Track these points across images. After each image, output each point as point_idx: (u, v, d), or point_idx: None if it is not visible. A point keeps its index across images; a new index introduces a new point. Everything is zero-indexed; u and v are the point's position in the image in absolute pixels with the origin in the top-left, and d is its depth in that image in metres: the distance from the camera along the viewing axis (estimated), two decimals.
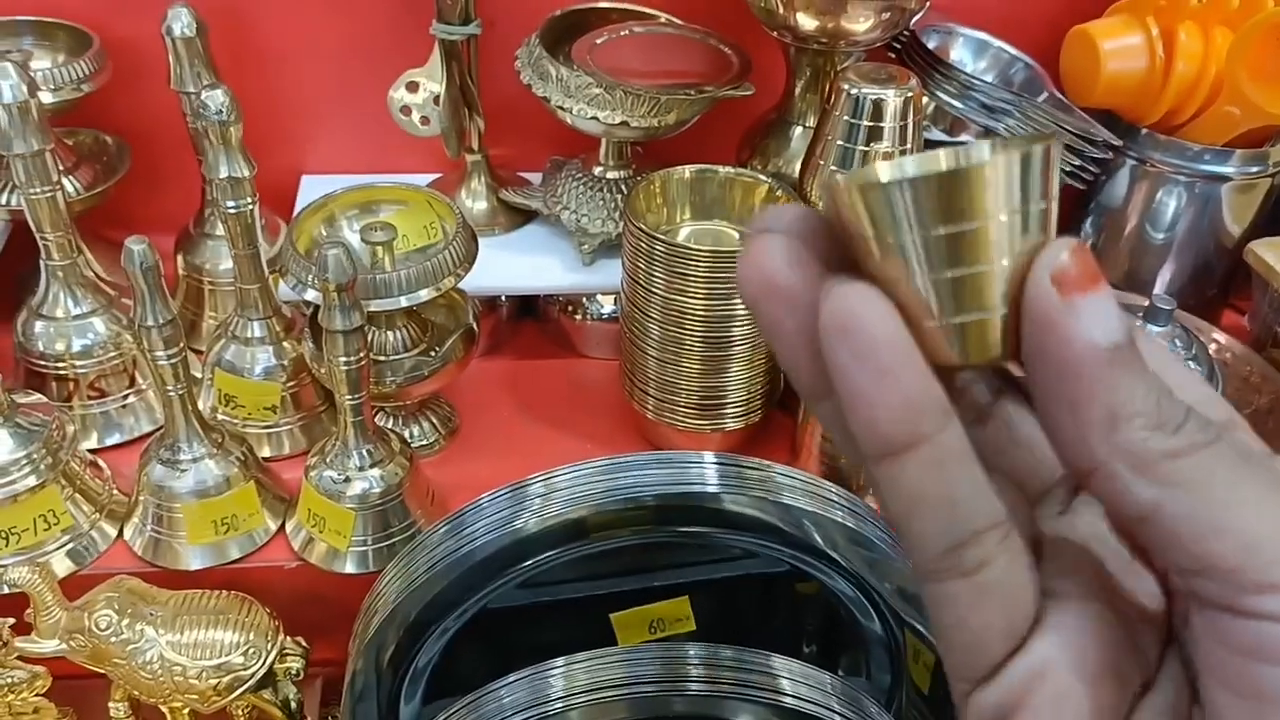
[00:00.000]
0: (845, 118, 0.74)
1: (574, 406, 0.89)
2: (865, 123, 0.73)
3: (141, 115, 0.91)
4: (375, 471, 0.72)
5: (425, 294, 0.73)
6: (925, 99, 0.83)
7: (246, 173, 0.73)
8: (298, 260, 0.73)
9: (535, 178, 0.99)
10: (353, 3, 0.91)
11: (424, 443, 0.84)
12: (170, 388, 0.70)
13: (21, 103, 0.70)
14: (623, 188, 0.89)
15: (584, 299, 0.94)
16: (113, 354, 0.81)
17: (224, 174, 0.73)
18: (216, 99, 0.70)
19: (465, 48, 0.86)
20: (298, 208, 0.93)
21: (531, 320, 0.98)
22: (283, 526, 0.76)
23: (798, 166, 0.87)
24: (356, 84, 0.95)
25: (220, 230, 0.88)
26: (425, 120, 0.90)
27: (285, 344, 0.81)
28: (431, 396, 0.83)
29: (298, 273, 0.73)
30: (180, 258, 0.90)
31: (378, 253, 0.75)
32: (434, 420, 0.85)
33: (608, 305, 0.94)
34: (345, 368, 0.68)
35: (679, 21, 0.88)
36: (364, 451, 0.72)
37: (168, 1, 0.81)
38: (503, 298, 0.94)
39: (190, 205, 0.92)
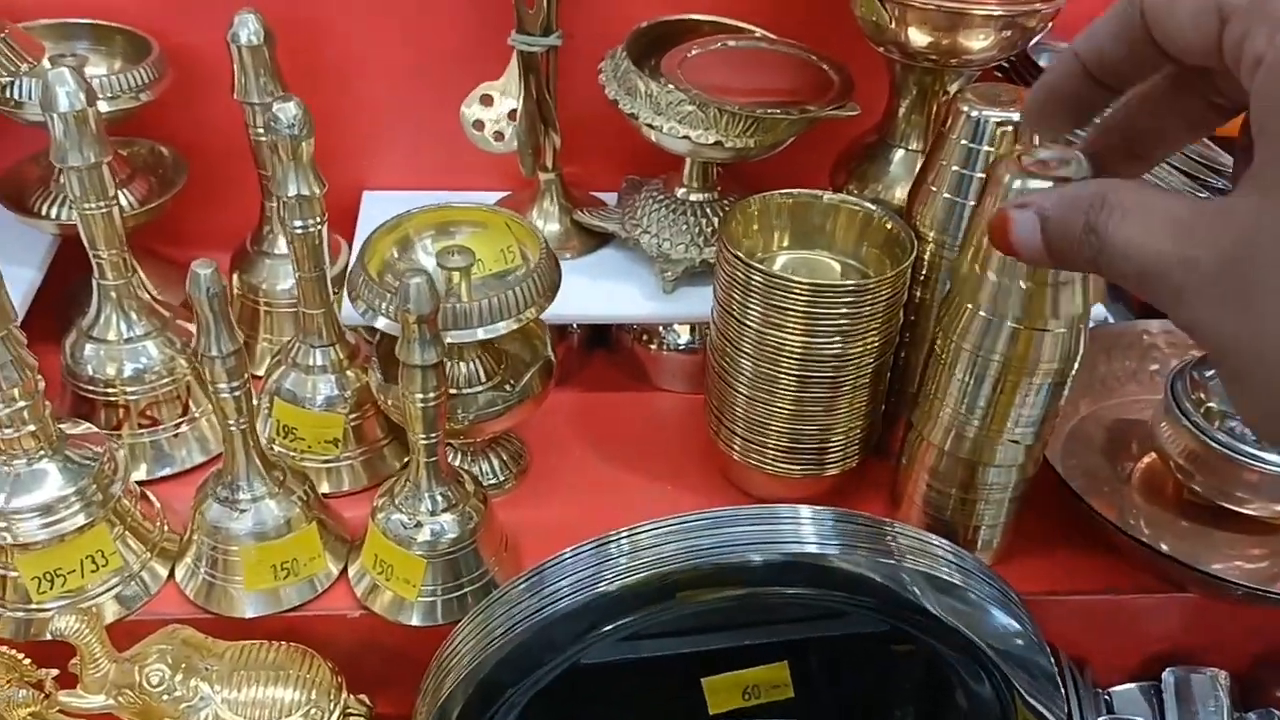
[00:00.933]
0: (963, 141, 0.68)
1: (651, 444, 0.84)
2: (985, 147, 0.67)
3: (199, 126, 0.86)
4: (448, 516, 0.67)
5: (504, 326, 0.68)
6: None
7: (316, 191, 0.68)
8: (369, 284, 0.68)
9: (608, 198, 0.93)
10: (425, 13, 0.86)
11: (493, 481, 0.78)
12: (232, 422, 0.64)
13: (79, 112, 0.65)
14: (707, 211, 0.84)
15: (660, 328, 0.88)
16: (165, 380, 0.75)
17: (293, 192, 0.67)
18: (289, 112, 0.65)
19: (544, 60, 0.80)
20: (360, 225, 0.89)
21: (603, 349, 0.92)
22: (345, 571, 0.71)
23: (898, 192, 0.81)
24: (424, 97, 0.90)
25: (280, 249, 0.84)
26: (499, 136, 0.84)
27: (349, 373, 0.75)
28: (502, 432, 0.78)
29: (368, 298, 0.68)
30: (236, 276, 0.85)
31: (454, 279, 0.70)
32: (504, 457, 0.79)
33: (684, 335, 0.89)
34: (422, 405, 0.63)
35: (773, 36, 0.83)
36: (437, 495, 0.67)
37: (232, 7, 0.76)
38: (574, 325, 0.88)
39: (247, 221, 0.87)
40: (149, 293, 0.75)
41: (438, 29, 0.87)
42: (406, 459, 0.79)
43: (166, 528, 0.71)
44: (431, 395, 0.62)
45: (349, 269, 0.70)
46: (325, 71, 0.86)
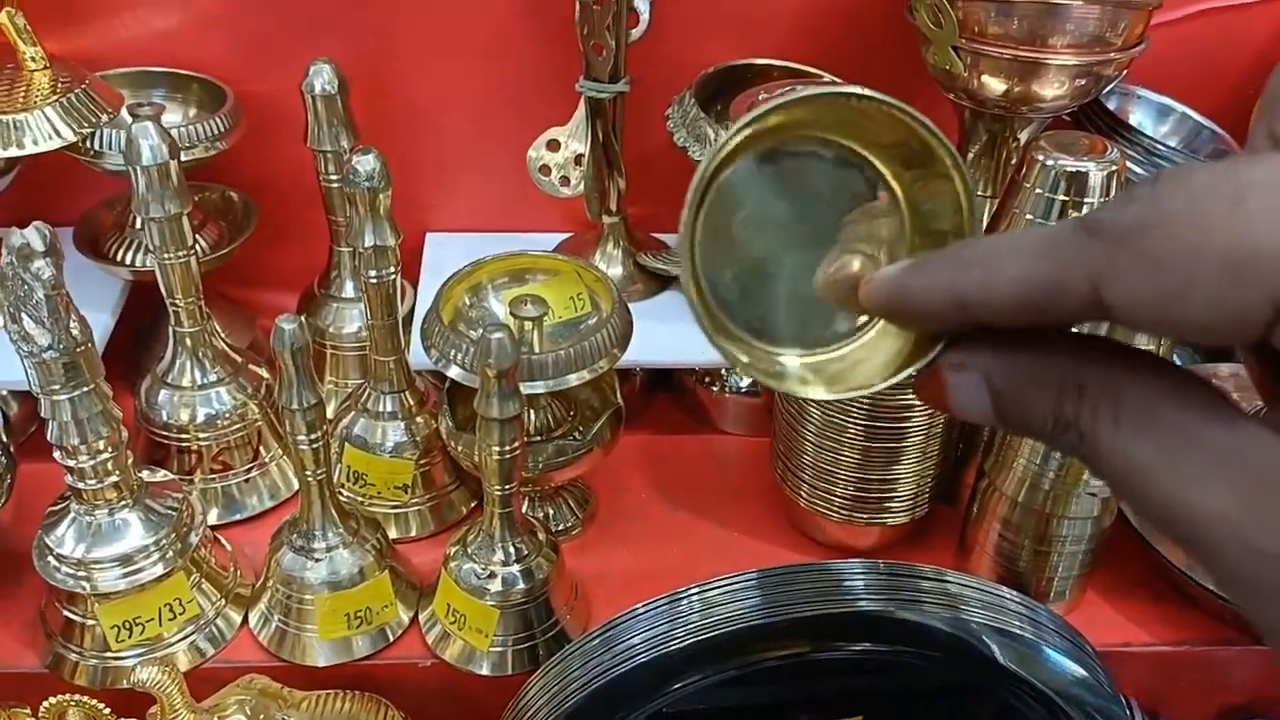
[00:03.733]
0: (1038, 190, 0.67)
1: (716, 488, 0.83)
2: (1061, 197, 0.67)
3: (268, 171, 0.87)
4: (521, 566, 0.67)
5: (576, 378, 0.68)
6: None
7: (392, 241, 0.69)
8: (443, 333, 0.68)
9: (670, 238, 0.93)
10: (492, 59, 0.87)
11: (560, 527, 0.78)
12: (309, 472, 0.65)
13: (161, 164, 0.66)
14: None
15: (723, 371, 0.88)
16: (238, 426, 0.76)
17: (369, 242, 0.68)
18: (367, 164, 0.66)
19: (611, 106, 0.81)
20: (425, 267, 0.89)
21: (665, 391, 0.92)
22: (415, 619, 0.71)
23: None
24: (489, 140, 0.90)
25: (347, 292, 0.85)
26: (565, 180, 0.85)
27: (418, 419, 0.76)
28: (570, 479, 0.78)
29: (442, 347, 0.68)
30: (304, 319, 0.85)
31: (526, 328, 0.70)
32: (571, 502, 0.79)
33: (747, 378, 0.88)
34: (499, 457, 0.63)
35: (839, 81, 0.83)
36: (510, 545, 0.67)
37: (303, 55, 0.77)
38: (637, 368, 0.88)
39: (312, 264, 0.88)
40: (222, 339, 0.76)
41: (505, 74, 0.87)
42: (473, 504, 0.80)
43: (240, 574, 0.72)
44: (508, 448, 0.62)
45: (423, 317, 0.71)
46: (392, 115, 0.87)
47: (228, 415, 0.76)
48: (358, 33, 0.84)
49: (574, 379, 0.68)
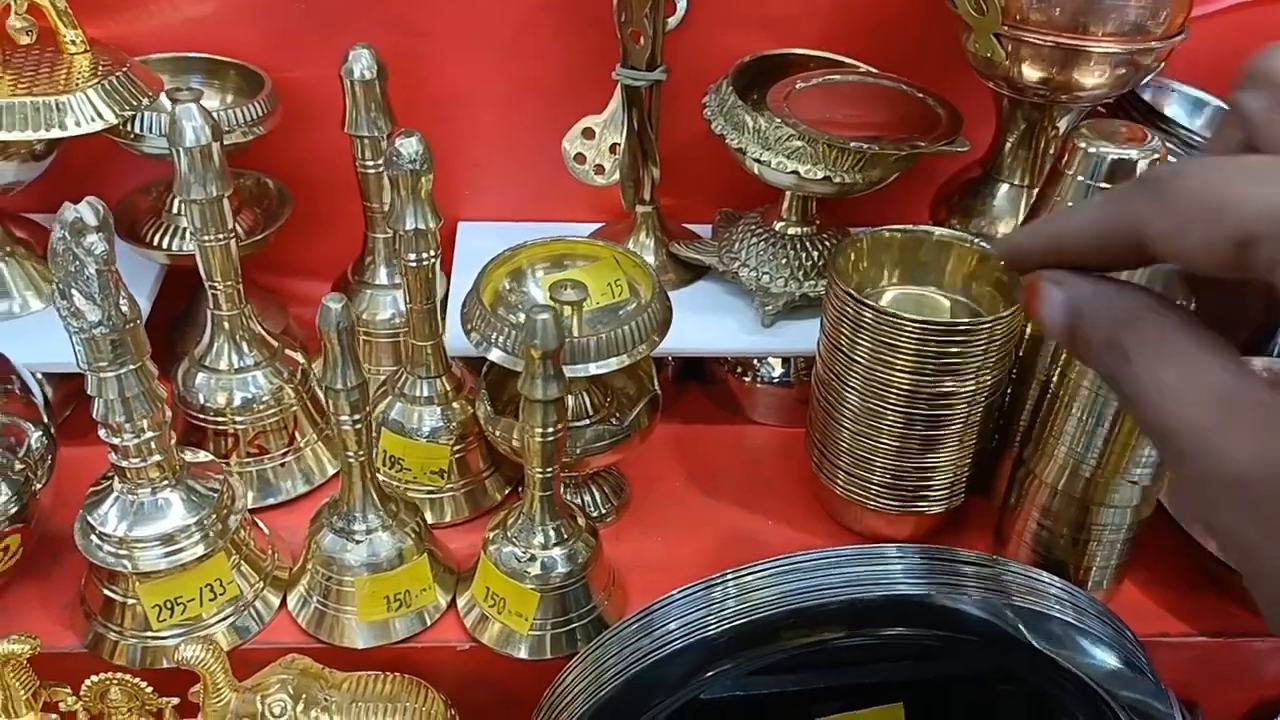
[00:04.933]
0: (1080, 178, 0.67)
1: (748, 477, 0.83)
2: (1103, 184, 0.67)
3: (302, 158, 0.87)
4: (560, 550, 0.67)
5: (617, 362, 0.68)
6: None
7: (432, 225, 0.69)
8: (484, 316, 0.68)
9: (700, 229, 0.93)
10: (524, 49, 0.87)
11: (595, 514, 0.78)
12: (351, 454, 0.65)
13: (204, 146, 0.66)
14: (806, 245, 0.83)
15: (755, 361, 0.88)
16: (273, 410, 0.76)
17: (410, 226, 0.68)
18: (410, 147, 0.66)
19: (647, 95, 0.81)
20: (457, 256, 0.89)
21: (696, 381, 0.92)
22: (453, 603, 0.71)
23: (1001, 227, 0.81)
24: (522, 130, 0.91)
25: (380, 279, 0.85)
26: (600, 169, 0.85)
27: (455, 405, 0.76)
28: (606, 465, 0.78)
29: (483, 330, 0.68)
30: (347, 300, 0.85)
31: (566, 312, 0.70)
32: (605, 489, 0.79)
33: (778, 368, 0.88)
34: (541, 439, 0.63)
35: (875, 70, 0.83)
36: (550, 529, 0.67)
37: (338, 43, 0.78)
38: (669, 357, 0.88)
39: (345, 251, 0.88)
40: (259, 324, 0.76)
41: (536, 63, 0.88)
42: (507, 491, 0.80)
43: (277, 557, 0.72)
44: (551, 430, 0.62)
45: (463, 300, 0.71)
46: (426, 104, 0.87)
47: (264, 399, 0.76)
48: (391, 21, 0.84)
49: (615, 363, 0.68)
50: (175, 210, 0.82)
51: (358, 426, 0.64)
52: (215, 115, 0.74)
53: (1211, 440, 0.31)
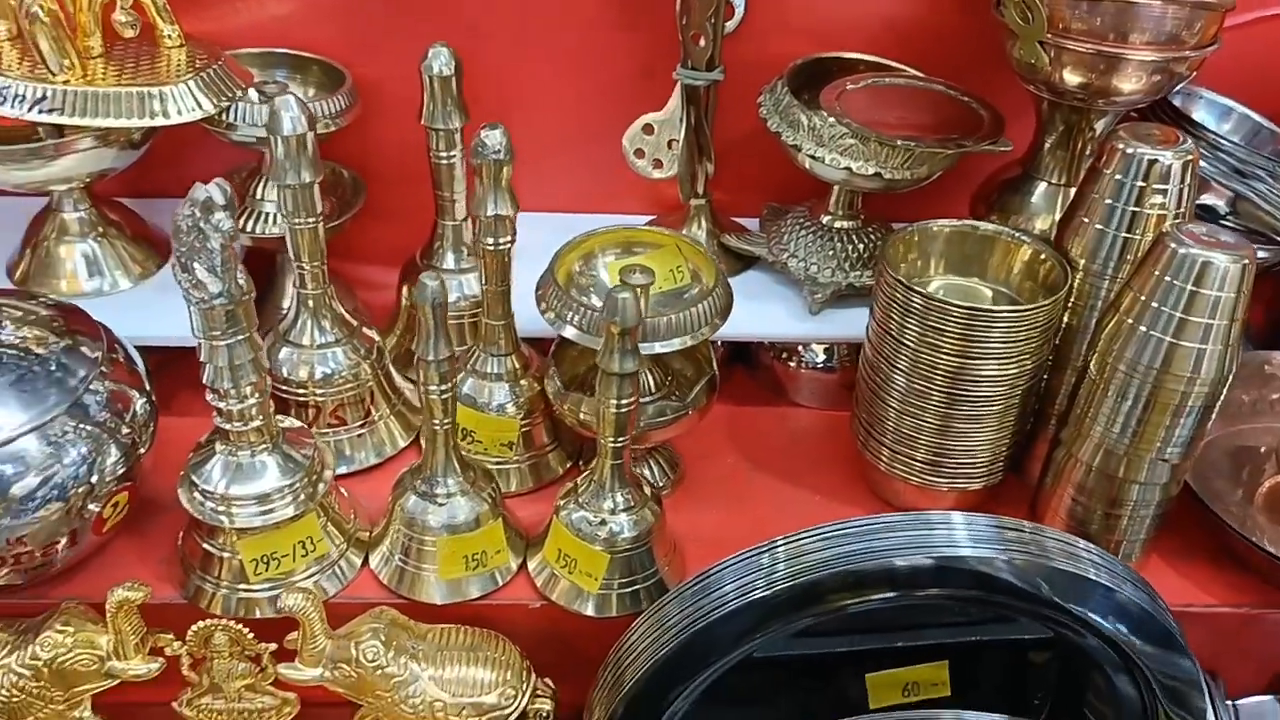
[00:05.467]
0: (1118, 177, 0.72)
1: (795, 456, 0.88)
2: (1138, 183, 0.71)
3: (374, 148, 0.92)
4: (628, 516, 0.72)
5: (679, 342, 0.72)
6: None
7: (511, 212, 0.74)
8: (559, 294, 0.73)
9: (746, 222, 0.98)
10: (588, 50, 0.92)
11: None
12: (437, 421, 0.70)
13: (300, 135, 0.71)
14: (852, 237, 0.88)
15: (799, 347, 0.93)
16: (351, 385, 0.81)
17: (491, 212, 0.73)
18: (495, 138, 0.71)
19: (705, 93, 0.86)
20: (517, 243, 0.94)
21: (743, 365, 0.97)
22: (523, 565, 0.76)
23: (1038, 223, 0.86)
24: (578, 126, 0.95)
25: (448, 264, 0.89)
26: (658, 164, 0.90)
27: (523, 382, 0.81)
28: (665, 440, 0.82)
29: (558, 308, 0.73)
30: (405, 289, 0.91)
31: (634, 295, 0.75)
32: (662, 464, 0.84)
33: (821, 354, 0.93)
34: (616, 410, 0.67)
35: (920, 74, 0.88)
36: (619, 496, 0.72)
37: (410, 41, 0.83)
38: (719, 342, 0.93)
39: (414, 237, 0.93)
40: (340, 303, 0.81)
41: (594, 63, 0.93)
42: (568, 465, 0.84)
43: (357, 519, 0.77)
44: (625, 402, 0.67)
45: (538, 281, 0.75)
46: (490, 100, 0.91)
47: (343, 374, 0.80)
48: (462, 22, 0.89)
49: (677, 343, 0.72)
50: (258, 195, 0.86)
51: (444, 396, 0.68)
52: None
53: None
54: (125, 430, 0.71)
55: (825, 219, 0.89)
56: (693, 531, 0.80)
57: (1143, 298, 0.68)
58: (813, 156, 0.81)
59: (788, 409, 0.94)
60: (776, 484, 0.85)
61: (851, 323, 0.88)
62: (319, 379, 0.80)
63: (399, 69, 0.86)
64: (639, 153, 0.90)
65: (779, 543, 0.67)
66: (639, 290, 0.74)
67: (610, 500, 0.72)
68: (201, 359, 0.65)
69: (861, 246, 0.88)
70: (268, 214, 0.87)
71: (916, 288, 0.73)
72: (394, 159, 0.92)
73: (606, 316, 0.64)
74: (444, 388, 0.68)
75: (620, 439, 0.69)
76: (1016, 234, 0.77)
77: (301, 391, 0.80)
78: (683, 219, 0.94)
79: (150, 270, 0.87)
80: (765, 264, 0.92)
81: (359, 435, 0.83)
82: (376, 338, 0.84)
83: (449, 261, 0.89)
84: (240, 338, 0.64)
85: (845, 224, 0.89)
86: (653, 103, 0.91)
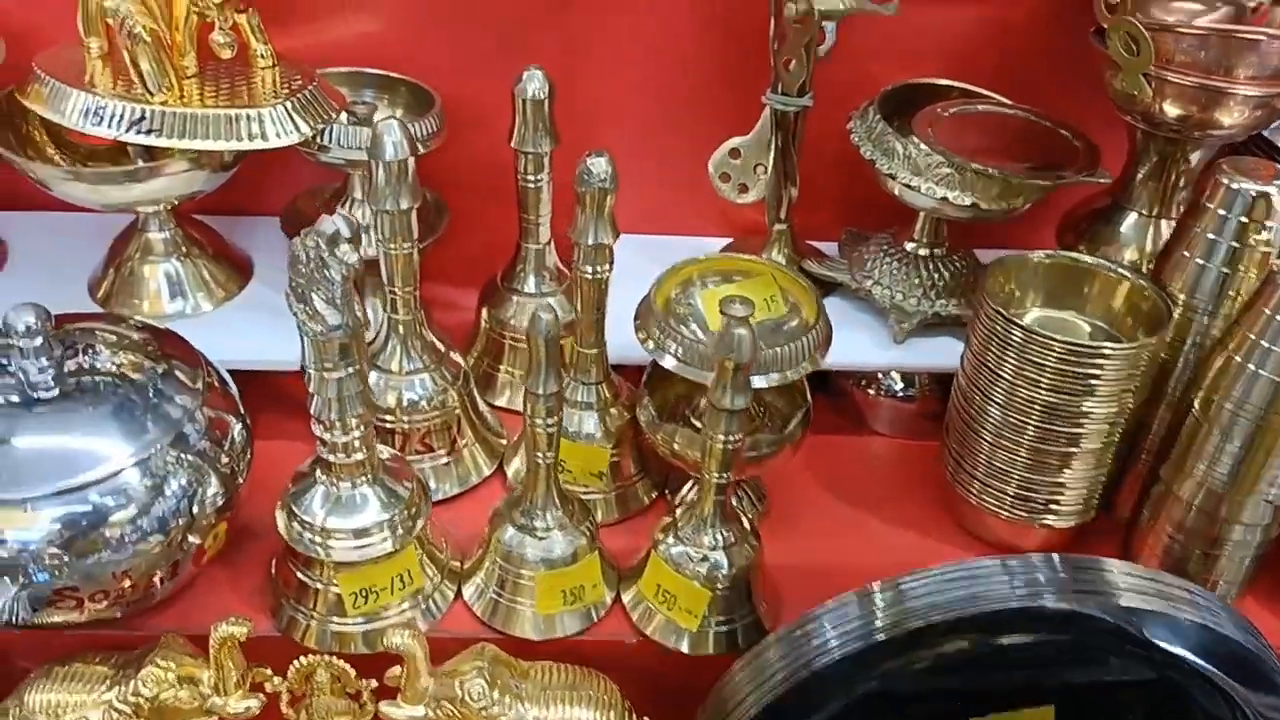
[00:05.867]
0: (1220, 211, 0.71)
1: (878, 486, 0.87)
2: (1241, 218, 0.71)
3: (456, 167, 0.91)
4: (728, 552, 0.71)
5: (779, 378, 0.72)
6: None
7: (611, 240, 0.73)
8: (660, 323, 0.72)
9: (821, 245, 0.97)
10: (675, 71, 0.91)
11: None
12: (540, 455, 0.69)
13: (401, 161, 0.70)
14: (937, 265, 0.88)
15: (879, 375, 0.92)
16: (438, 413, 0.80)
17: (592, 240, 0.72)
18: (601, 166, 0.70)
19: (795, 118, 0.85)
20: None
21: (820, 393, 0.96)
22: (617, 598, 0.75)
23: (1128, 254, 0.85)
24: (658, 147, 0.95)
25: (529, 288, 0.88)
26: (744, 188, 0.89)
27: (613, 410, 0.80)
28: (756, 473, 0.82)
29: (658, 336, 0.72)
30: (485, 311, 0.90)
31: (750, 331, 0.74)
32: (751, 495, 0.83)
33: (899, 382, 0.93)
34: (723, 446, 0.67)
35: (1009, 101, 0.87)
36: (720, 531, 0.71)
37: (497, 62, 0.82)
38: None
39: (490, 257, 0.92)
40: (429, 329, 0.80)
41: (683, 85, 0.92)
42: (655, 495, 0.84)
43: (449, 549, 0.76)
44: (734, 437, 0.66)
45: (637, 308, 0.75)
46: (574, 117, 0.90)
47: (431, 401, 0.80)
48: (554, 40, 0.88)
49: (776, 378, 0.71)
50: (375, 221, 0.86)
51: (550, 430, 0.68)
52: None
53: None
54: (225, 459, 0.70)
55: (910, 246, 0.89)
56: (783, 564, 0.79)
57: (1252, 336, 0.68)
58: (908, 185, 0.80)
59: (868, 437, 0.93)
60: (862, 515, 0.85)
61: (937, 351, 0.87)
62: (407, 405, 0.79)
63: (485, 87, 0.86)
64: (724, 177, 0.89)
65: (878, 587, 0.66)
66: (747, 320, 0.73)
67: (711, 536, 0.71)
68: (310, 389, 0.64)
69: (948, 275, 0.87)
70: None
71: (1016, 320, 0.72)
72: (475, 178, 0.92)
73: (721, 351, 0.63)
74: (550, 421, 0.67)
75: (725, 474, 0.68)
76: (1118, 268, 0.76)
77: (389, 418, 0.79)
78: (762, 243, 0.93)
79: (232, 292, 0.86)
80: (845, 289, 0.91)
81: (445, 464, 0.82)
82: (463, 363, 0.83)
83: (530, 285, 0.89)
84: (352, 370, 0.63)
85: (931, 251, 0.88)
86: (735, 124, 0.90)
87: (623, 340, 0.76)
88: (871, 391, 0.93)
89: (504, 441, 0.87)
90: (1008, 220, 0.85)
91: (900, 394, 0.92)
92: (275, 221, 0.91)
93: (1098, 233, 0.86)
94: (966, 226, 0.89)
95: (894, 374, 0.92)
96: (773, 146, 0.86)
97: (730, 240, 0.98)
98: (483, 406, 0.86)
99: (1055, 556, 0.66)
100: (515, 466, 0.84)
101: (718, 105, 0.92)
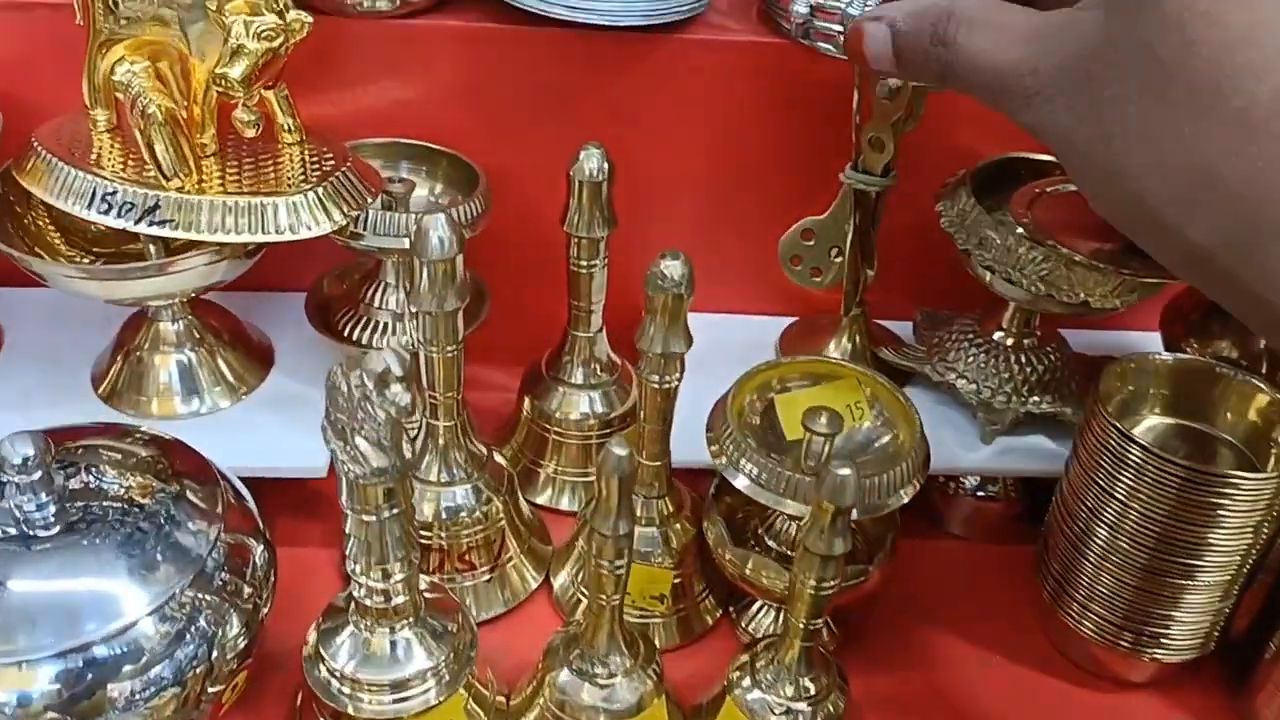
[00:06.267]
0: None
1: (961, 600, 0.79)
2: None
3: (496, 242, 0.83)
4: (817, 705, 0.63)
5: (874, 508, 0.64)
6: None
7: (684, 349, 0.65)
8: (735, 438, 0.64)
9: (897, 326, 0.89)
10: (740, 142, 0.84)
11: None
12: (604, 598, 0.61)
13: (448, 259, 0.62)
14: (1030, 358, 0.79)
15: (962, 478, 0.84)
16: (479, 526, 0.72)
17: (660, 349, 0.64)
18: (676, 269, 0.62)
19: (875, 198, 0.77)
20: None
21: None
22: None
23: (1238, 351, 0.77)
24: (722, 222, 0.87)
25: (577, 379, 0.81)
26: (817, 272, 0.81)
27: (677, 525, 0.72)
28: None
29: (731, 452, 0.65)
30: (528, 401, 0.82)
31: (816, 443, 0.66)
32: (830, 622, 0.75)
33: (973, 479, 0.84)
34: (815, 592, 0.59)
35: None
36: (806, 681, 0.63)
37: (545, 133, 0.74)
38: None
39: (535, 339, 0.84)
40: (471, 433, 0.72)
41: (747, 158, 0.84)
42: (719, 614, 0.76)
43: (495, 686, 0.68)
44: (829, 584, 0.58)
45: (709, 415, 0.67)
46: (631, 188, 0.82)
47: (474, 514, 0.72)
48: (606, 108, 0.80)
49: (872, 509, 0.64)
50: (375, 303, 0.78)
51: (619, 572, 0.59)
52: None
53: (1024, 68, 0.42)
54: (247, 591, 0.62)
55: (998, 335, 0.80)
56: (866, 697, 0.70)
57: None
58: (1009, 280, 0.72)
59: (944, 541, 0.85)
60: (945, 636, 0.76)
61: (1030, 454, 0.79)
62: (446, 518, 0.71)
63: (532, 159, 0.79)
64: (795, 260, 0.81)
65: None
66: (825, 438, 0.66)
67: (795, 686, 0.62)
68: (346, 530, 0.56)
69: (1041, 368, 0.79)
70: (384, 324, 0.78)
71: (1136, 438, 0.64)
72: (518, 256, 0.84)
73: (820, 493, 0.55)
74: (619, 564, 0.59)
75: (816, 621, 0.60)
76: (1256, 378, 0.68)
77: (426, 533, 0.71)
78: (833, 326, 0.85)
79: (252, 385, 0.78)
80: (923, 379, 0.83)
81: (487, 581, 0.74)
82: (506, 465, 0.75)
83: (578, 377, 0.81)
84: (395, 513, 0.55)
85: (1021, 342, 0.80)
86: (805, 200, 0.82)
87: (682, 438, 0.69)
88: (950, 490, 0.84)
89: (549, 547, 0.79)
90: None
91: (982, 494, 0.84)
92: (298, 299, 0.82)
93: (1210, 326, 0.78)
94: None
95: None
96: (851, 228, 0.78)
97: (795, 319, 0.90)
98: (527, 511, 0.78)
99: None
100: (562, 580, 0.76)
101: (783, 179, 0.85)
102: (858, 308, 0.83)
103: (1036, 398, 0.79)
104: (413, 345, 0.68)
